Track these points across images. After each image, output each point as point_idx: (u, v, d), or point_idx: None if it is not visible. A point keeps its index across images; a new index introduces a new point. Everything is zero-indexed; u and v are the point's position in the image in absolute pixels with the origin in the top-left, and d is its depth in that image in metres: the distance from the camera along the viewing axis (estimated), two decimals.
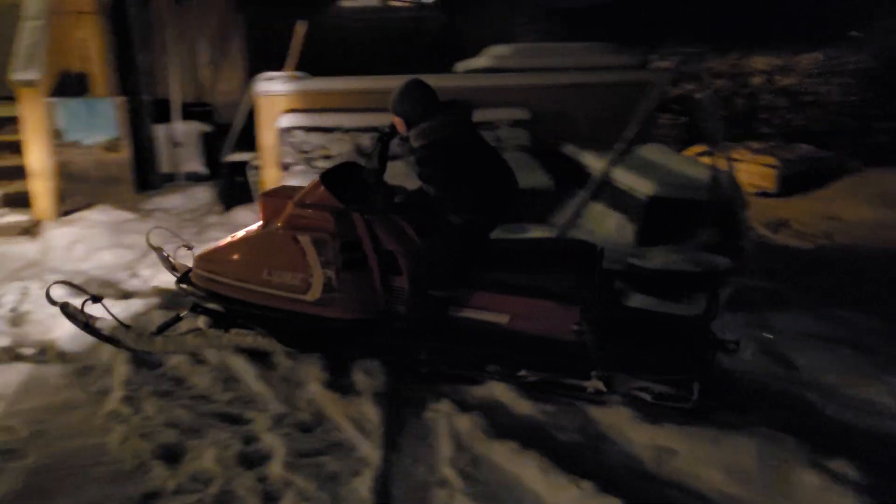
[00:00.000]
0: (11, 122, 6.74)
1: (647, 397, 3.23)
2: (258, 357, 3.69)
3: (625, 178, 5.63)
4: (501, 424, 3.10)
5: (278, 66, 7.32)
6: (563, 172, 6.46)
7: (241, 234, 3.88)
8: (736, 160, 5.64)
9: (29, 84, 6.34)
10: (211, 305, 3.87)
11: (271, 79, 7.07)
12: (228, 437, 3.01)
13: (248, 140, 7.94)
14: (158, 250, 4.35)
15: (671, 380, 3.19)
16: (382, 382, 3.47)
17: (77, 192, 6.88)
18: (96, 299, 3.85)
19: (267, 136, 7.06)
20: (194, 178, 8.59)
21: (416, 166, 3.45)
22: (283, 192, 3.91)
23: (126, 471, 2.81)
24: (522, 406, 3.26)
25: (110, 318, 3.91)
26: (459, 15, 9.94)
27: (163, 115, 8.46)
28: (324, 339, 3.67)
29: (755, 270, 5.21)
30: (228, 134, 8.36)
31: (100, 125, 7.23)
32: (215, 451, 2.90)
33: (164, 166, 8.45)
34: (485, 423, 3.08)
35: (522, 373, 3.40)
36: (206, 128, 8.84)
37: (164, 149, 8.43)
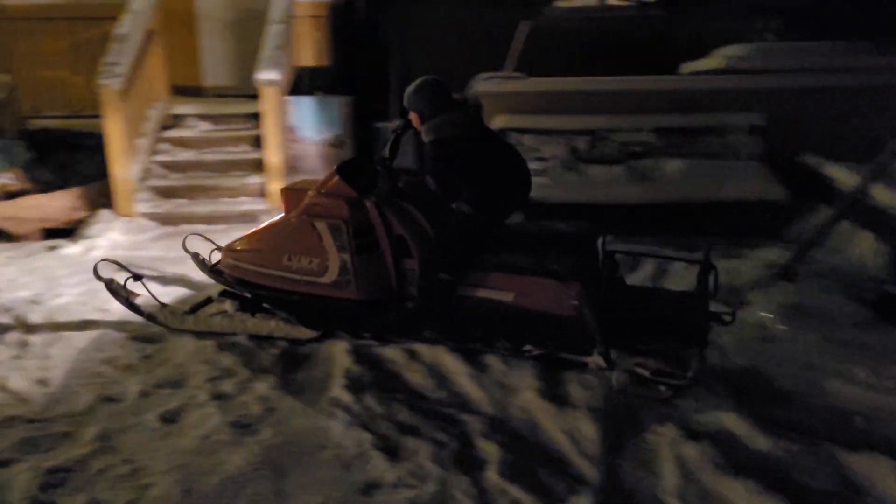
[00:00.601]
0: (254, 118, 7.39)
1: (646, 373, 3.33)
2: (471, 357, 3.68)
3: (882, 194, 4.95)
4: (736, 459, 2.81)
5: (494, 67, 7.34)
6: (801, 185, 5.86)
7: (263, 224, 4.15)
8: None
9: (271, 83, 6.89)
10: (238, 290, 4.14)
11: (489, 79, 7.10)
12: (444, 437, 2.99)
13: None
14: (194, 255, 4.57)
15: (670, 356, 3.32)
16: (599, 397, 3.31)
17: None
18: (137, 277, 4.17)
19: None
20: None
21: (425, 159, 3.65)
22: (303, 185, 4.13)
23: (349, 457, 2.88)
24: (760, 441, 2.94)
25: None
26: (683, 14, 9.41)
27: (382, 113, 8.84)
28: (340, 319, 3.89)
29: None
30: None
31: (327, 122, 7.69)
32: (432, 449, 2.90)
33: None
34: (716, 454, 2.82)
35: (527, 347, 3.58)
36: None
37: (382, 146, 8.81)
